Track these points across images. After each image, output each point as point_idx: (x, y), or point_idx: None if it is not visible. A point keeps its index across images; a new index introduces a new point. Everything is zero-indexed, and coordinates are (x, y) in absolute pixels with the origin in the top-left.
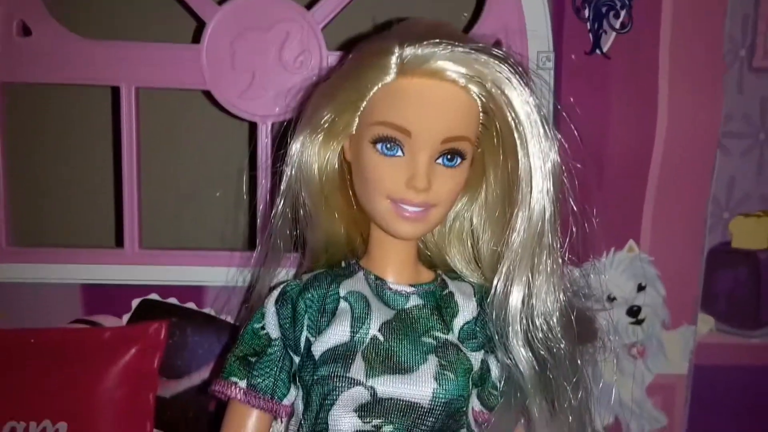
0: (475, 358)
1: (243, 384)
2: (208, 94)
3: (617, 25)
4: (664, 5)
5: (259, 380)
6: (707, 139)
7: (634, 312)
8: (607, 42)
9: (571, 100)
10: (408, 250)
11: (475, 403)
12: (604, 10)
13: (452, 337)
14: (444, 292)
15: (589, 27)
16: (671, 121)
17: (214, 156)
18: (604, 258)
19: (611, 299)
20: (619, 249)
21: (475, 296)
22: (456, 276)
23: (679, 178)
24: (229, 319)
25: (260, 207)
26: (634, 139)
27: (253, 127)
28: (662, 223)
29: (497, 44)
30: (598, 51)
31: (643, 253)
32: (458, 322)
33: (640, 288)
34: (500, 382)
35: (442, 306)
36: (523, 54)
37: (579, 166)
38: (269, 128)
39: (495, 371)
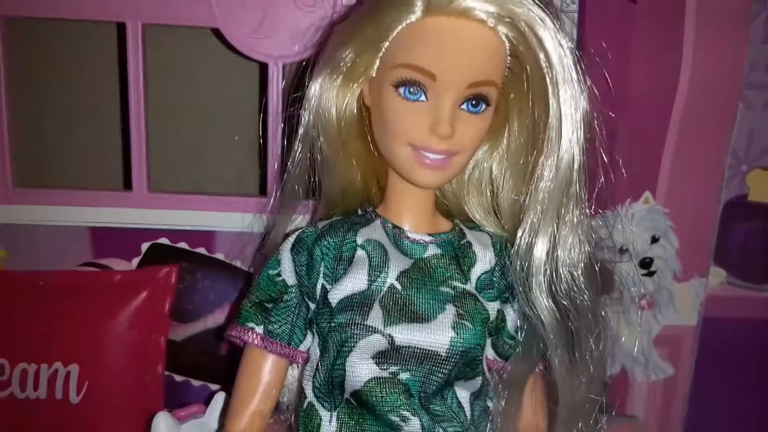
0: (492, 307)
1: (260, 330)
2: (217, 33)
3: None
4: None
5: (275, 326)
6: (730, 90)
7: (646, 264)
8: None
9: (592, 50)
10: (426, 199)
11: (489, 352)
12: None
13: (470, 286)
14: (462, 242)
15: None
16: (694, 70)
17: (225, 98)
18: (620, 208)
19: (623, 251)
20: (634, 200)
21: (493, 246)
22: (474, 226)
23: (699, 128)
24: (240, 265)
25: (272, 151)
26: (657, 86)
27: (264, 67)
28: (679, 175)
29: None
30: None
31: (657, 204)
32: (476, 272)
33: (654, 240)
34: (516, 332)
35: (459, 255)
36: None
37: (611, 114)
38: (281, 69)
39: (511, 321)
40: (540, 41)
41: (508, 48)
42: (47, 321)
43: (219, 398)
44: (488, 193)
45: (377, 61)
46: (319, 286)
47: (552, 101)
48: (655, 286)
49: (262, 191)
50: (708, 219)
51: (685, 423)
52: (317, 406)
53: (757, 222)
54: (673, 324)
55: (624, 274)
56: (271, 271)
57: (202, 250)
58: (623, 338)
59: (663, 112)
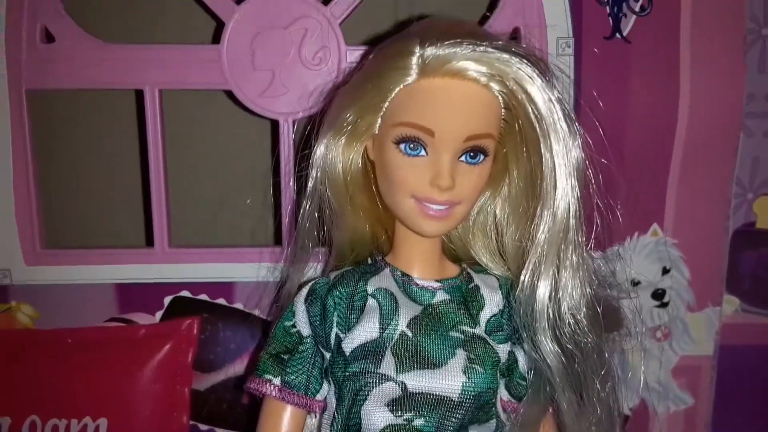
0: (503, 350)
1: (277, 381)
2: (230, 94)
3: (637, 8)
4: None
5: (292, 377)
6: (730, 120)
7: (658, 295)
8: (627, 25)
9: (593, 91)
10: (433, 246)
11: (503, 393)
12: None
13: (479, 330)
14: (470, 286)
15: (608, 11)
16: (693, 103)
17: (238, 154)
18: (628, 243)
19: (635, 283)
20: (642, 233)
21: (500, 289)
22: (481, 269)
23: (702, 160)
24: (258, 314)
25: (285, 205)
26: (656, 122)
27: (275, 124)
28: (686, 206)
29: (516, 32)
30: (618, 35)
31: (666, 236)
32: (485, 315)
33: (665, 271)
34: (527, 372)
35: (468, 300)
36: (542, 41)
37: (604, 161)
38: (291, 125)
39: (522, 362)
40: (529, 96)
41: (501, 102)
42: (76, 377)
43: None
44: (493, 237)
45: (378, 120)
46: (333, 336)
47: (544, 152)
48: (669, 316)
49: (277, 241)
50: (717, 248)
51: None
52: None
53: (766, 249)
54: (689, 354)
55: (635, 307)
56: (286, 323)
57: (222, 301)
58: (640, 370)
59: (664, 145)
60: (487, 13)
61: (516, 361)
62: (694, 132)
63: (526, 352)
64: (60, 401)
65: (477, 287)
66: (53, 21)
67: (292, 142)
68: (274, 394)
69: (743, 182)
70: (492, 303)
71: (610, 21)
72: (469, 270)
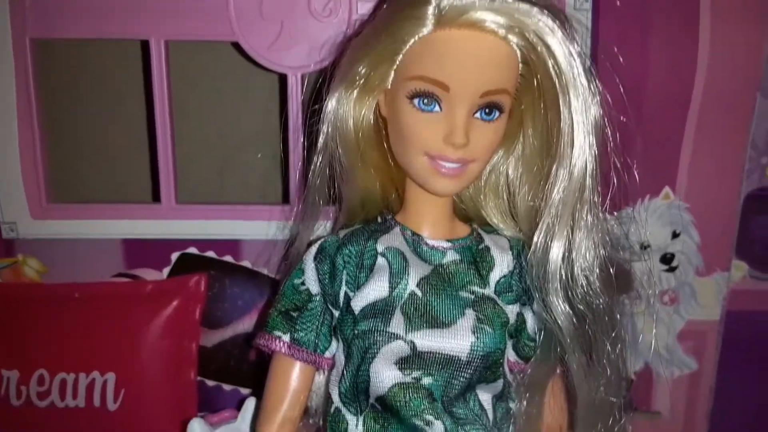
0: (511, 311)
1: (286, 338)
2: (237, 46)
3: None
4: None
5: (301, 334)
6: (748, 81)
7: (667, 259)
8: None
9: (611, 44)
10: (444, 205)
11: (510, 354)
12: None
13: (489, 291)
14: (480, 246)
15: None
16: (711, 61)
17: (247, 109)
18: (639, 205)
19: (645, 247)
20: (654, 196)
21: (511, 250)
22: (491, 230)
23: (717, 121)
24: (266, 272)
25: (294, 161)
26: (673, 81)
27: (284, 78)
28: (699, 169)
29: None
30: None
31: (678, 199)
32: (494, 276)
33: (675, 235)
34: (536, 334)
35: (478, 260)
36: None
37: (623, 119)
38: (299, 80)
39: (531, 323)
40: (549, 50)
41: (519, 56)
42: (84, 331)
43: (250, 404)
44: (505, 197)
45: (392, 74)
46: (342, 294)
47: (563, 109)
48: (677, 281)
49: (285, 199)
50: (729, 212)
51: (710, 417)
52: (344, 411)
53: None
54: (696, 319)
55: (645, 270)
56: (295, 281)
57: (229, 259)
58: (646, 335)
59: (680, 107)
60: None
61: (524, 322)
62: (711, 91)
63: (535, 313)
64: (67, 355)
65: (487, 248)
66: None
67: (300, 97)
68: (283, 350)
69: (758, 145)
70: (502, 264)
71: None
72: (479, 230)
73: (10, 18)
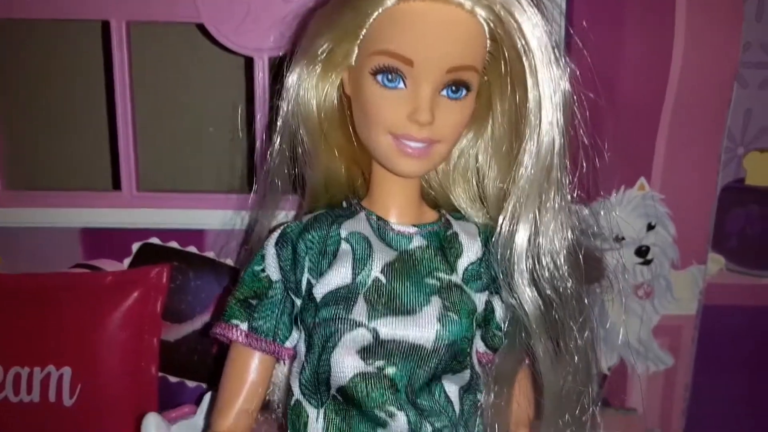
0: (479, 299)
1: (244, 326)
2: (202, 28)
3: None
4: None
5: (260, 323)
6: (725, 70)
7: (642, 252)
8: None
9: (584, 24)
10: (411, 189)
11: (479, 345)
12: None
13: (456, 278)
14: (448, 233)
15: None
16: (687, 50)
17: (211, 93)
18: (614, 196)
19: (620, 239)
20: (629, 187)
21: (479, 236)
22: (460, 216)
23: (693, 111)
24: (230, 262)
25: (259, 146)
26: (649, 69)
27: (249, 61)
28: (674, 161)
29: None
30: None
31: (653, 191)
32: (462, 263)
33: (650, 227)
34: (504, 323)
35: (446, 246)
36: None
37: (591, 95)
38: (266, 62)
39: (499, 312)
40: (518, 24)
41: (487, 32)
42: (39, 324)
43: (208, 398)
44: (474, 182)
45: (356, 49)
46: (304, 281)
47: (531, 84)
48: (652, 274)
49: (251, 187)
50: (705, 204)
51: (686, 414)
52: (304, 403)
53: (755, 206)
54: (672, 313)
55: (618, 262)
56: (255, 267)
57: (192, 249)
58: (621, 328)
59: (655, 95)
60: None
61: (493, 311)
62: (687, 81)
63: (503, 300)
64: (22, 349)
65: (455, 234)
66: None
67: (267, 81)
68: (240, 339)
69: (734, 136)
70: (470, 251)
71: None
72: (448, 216)
73: None
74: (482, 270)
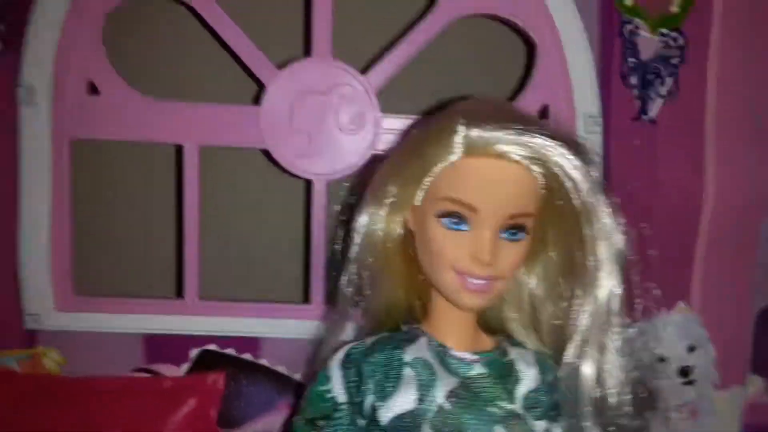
0: (540, 426)
1: None
2: (266, 152)
3: (663, 92)
4: (709, 74)
5: None
6: (754, 206)
7: (685, 372)
8: (654, 108)
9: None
10: (470, 318)
11: None
12: (650, 78)
13: (517, 406)
14: (505, 360)
15: (636, 93)
16: (718, 187)
17: (272, 212)
18: (656, 319)
19: (661, 360)
20: (669, 310)
21: (537, 364)
22: (516, 342)
23: (726, 242)
24: (284, 371)
25: (316, 262)
26: (682, 203)
27: (309, 185)
28: (711, 286)
29: (545, 109)
30: (644, 117)
31: (693, 313)
32: (521, 391)
33: (691, 349)
34: None
35: (504, 374)
36: (570, 119)
37: (652, 253)
38: (325, 186)
39: None
40: (571, 180)
41: (542, 181)
42: (100, 427)
43: None
44: (528, 311)
45: (420, 193)
46: (368, 403)
47: (587, 239)
48: (696, 394)
49: (306, 299)
50: (742, 327)
51: None
52: None
53: None
54: None
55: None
56: (321, 388)
57: (248, 356)
58: None
59: (691, 226)
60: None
61: None
62: (718, 215)
63: (563, 429)
64: None
65: (513, 361)
66: (99, 74)
67: (325, 202)
68: None
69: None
70: (528, 378)
71: (637, 103)
72: (505, 344)
73: (53, 119)
74: (541, 397)
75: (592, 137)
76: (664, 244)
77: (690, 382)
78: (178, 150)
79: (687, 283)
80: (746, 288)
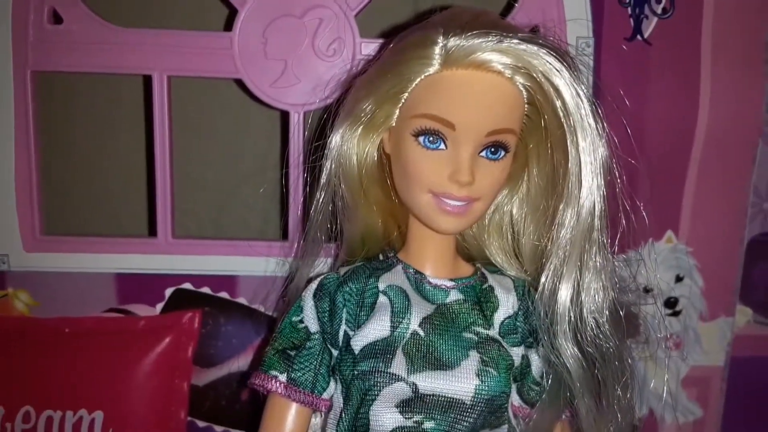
0: (516, 353)
1: (283, 378)
2: (240, 83)
3: (659, 10)
4: None
5: (299, 374)
6: (749, 127)
7: (671, 303)
8: (649, 27)
9: (614, 91)
10: (447, 244)
11: (514, 398)
12: None
13: (493, 332)
14: (484, 286)
15: (630, 12)
16: (713, 109)
17: (247, 145)
18: (642, 249)
19: (647, 291)
20: (657, 239)
21: (515, 290)
22: (495, 269)
23: (719, 167)
24: (262, 309)
25: (294, 197)
26: (675, 127)
27: (285, 115)
28: (701, 214)
29: (534, 30)
30: (638, 37)
31: (681, 243)
32: (499, 317)
33: (678, 279)
34: (542, 377)
35: (482, 300)
36: (562, 40)
37: (632, 161)
38: (302, 117)
39: (536, 366)
40: (557, 90)
41: (525, 96)
42: (73, 368)
43: None
44: (509, 237)
45: (397, 111)
46: (341, 333)
47: (571, 149)
48: (681, 325)
49: (284, 236)
50: (732, 257)
51: None
52: None
53: None
54: (700, 365)
55: (649, 315)
56: (293, 318)
57: (224, 295)
58: (651, 381)
59: (682, 151)
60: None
61: (529, 365)
62: (712, 138)
63: (540, 356)
64: (55, 392)
65: (491, 288)
66: (62, 2)
67: (302, 134)
68: (279, 390)
69: (760, 191)
70: (507, 305)
71: (631, 22)
72: (483, 270)
73: (13, 50)
74: (518, 324)
75: (583, 59)
76: (654, 169)
77: (676, 313)
78: (147, 81)
79: (676, 212)
80: (737, 217)
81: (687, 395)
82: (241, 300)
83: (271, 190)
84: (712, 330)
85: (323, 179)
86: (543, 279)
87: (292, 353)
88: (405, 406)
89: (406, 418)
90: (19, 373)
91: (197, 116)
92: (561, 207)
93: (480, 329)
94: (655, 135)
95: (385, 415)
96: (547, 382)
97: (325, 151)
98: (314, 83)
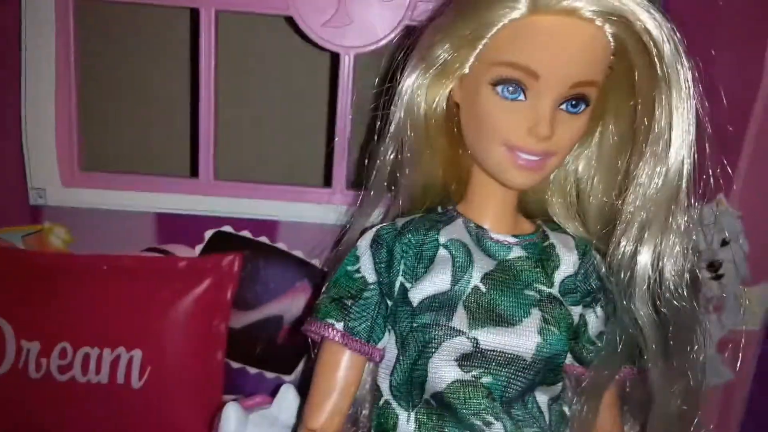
0: (575, 312)
1: (340, 326)
2: (290, 21)
3: None
4: None
5: (356, 323)
6: None
7: (714, 267)
8: None
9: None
10: (511, 199)
11: (567, 357)
12: None
13: (554, 290)
14: (545, 244)
15: None
16: None
17: (295, 87)
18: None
19: (725, 243)
20: (708, 202)
21: (576, 249)
22: (556, 227)
23: None
24: (302, 255)
25: (341, 142)
26: (737, 89)
27: (336, 58)
28: (755, 179)
29: None
30: None
31: (731, 207)
32: (559, 276)
33: (724, 243)
34: (597, 338)
35: (543, 258)
36: None
37: (729, 127)
38: (351, 59)
39: (592, 326)
40: (655, 43)
41: (613, 47)
42: (111, 306)
43: (286, 390)
44: (573, 195)
45: (472, 58)
46: (397, 284)
47: (664, 104)
48: (722, 289)
49: (327, 182)
50: None
51: (741, 429)
52: (394, 404)
53: None
54: (737, 329)
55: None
56: (349, 267)
57: (264, 239)
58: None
59: (742, 116)
60: None
61: (586, 324)
62: None
63: (598, 316)
64: (92, 329)
65: (552, 245)
66: None
67: (351, 78)
68: (336, 338)
69: None
70: (567, 263)
71: None
72: (544, 227)
73: None
74: (578, 283)
75: None
76: (713, 129)
77: (718, 277)
78: (194, 15)
79: (730, 175)
80: None
81: (720, 359)
82: (281, 245)
83: (317, 136)
84: (753, 295)
85: (392, 127)
86: (623, 241)
87: (349, 302)
88: (464, 360)
89: (465, 371)
90: (55, 309)
91: (244, 56)
92: (641, 165)
93: (542, 287)
94: (717, 92)
95: (444, 368)
96: (606, 341)
97: (395, 98)
98: (367, 25)
